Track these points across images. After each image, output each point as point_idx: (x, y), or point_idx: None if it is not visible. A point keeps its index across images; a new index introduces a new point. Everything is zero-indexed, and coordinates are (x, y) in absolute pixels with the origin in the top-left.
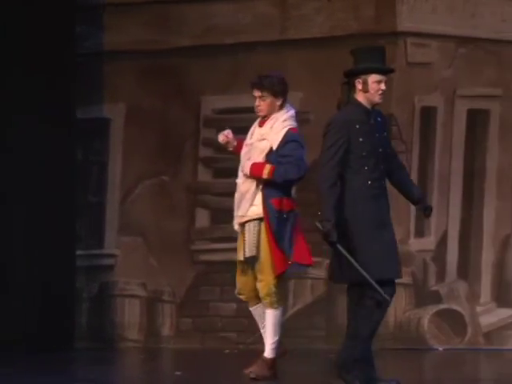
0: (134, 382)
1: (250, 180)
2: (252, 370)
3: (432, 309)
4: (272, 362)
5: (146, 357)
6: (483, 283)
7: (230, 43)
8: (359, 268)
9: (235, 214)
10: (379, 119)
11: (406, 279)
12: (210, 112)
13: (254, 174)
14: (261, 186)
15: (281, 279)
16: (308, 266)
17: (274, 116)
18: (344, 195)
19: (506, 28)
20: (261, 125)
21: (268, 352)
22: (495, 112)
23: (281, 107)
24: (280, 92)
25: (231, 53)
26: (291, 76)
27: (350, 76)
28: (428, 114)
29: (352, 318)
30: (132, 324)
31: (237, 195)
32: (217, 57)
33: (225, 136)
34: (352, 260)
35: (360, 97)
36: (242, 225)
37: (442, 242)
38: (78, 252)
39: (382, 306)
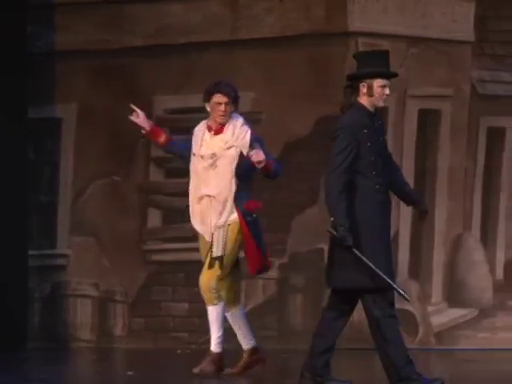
0: (86, 382)
1: (227, 189)
2: (200, 367)
3: None
4: (218, 357)
5: (98, 357)
6: (434, 283)
7: (182, 43)
8: (377, 270)
9: (208, 223)
10: (379, 122)
11: None
12: (161, 112)
13: (268, 166)
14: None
15: (226, 278)
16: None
17: (231, 122)
18: (354, 201)
19: (456, 28)
20: (216, 133)
21: (213, 347)
22: (446, 112)
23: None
24: (237, 99)
25: (183, 53)
26: (243, 76)
27: (354, 79)
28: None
29: (322, 318)
30: (84, 324)
31: (209, 205)
32: (169, 57)
33: (135, 116)
34: (369, 263)
35: (364, 100)
36: None
37: (394, 241)
38: (30, 252)
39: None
